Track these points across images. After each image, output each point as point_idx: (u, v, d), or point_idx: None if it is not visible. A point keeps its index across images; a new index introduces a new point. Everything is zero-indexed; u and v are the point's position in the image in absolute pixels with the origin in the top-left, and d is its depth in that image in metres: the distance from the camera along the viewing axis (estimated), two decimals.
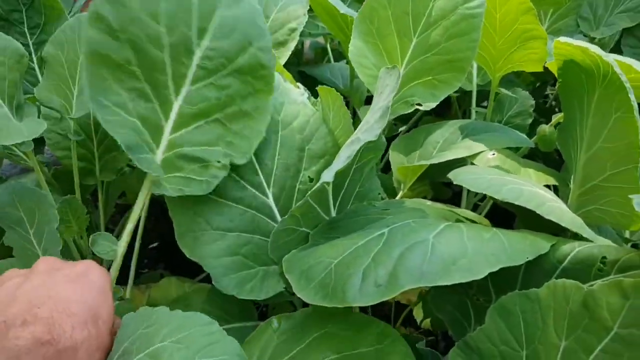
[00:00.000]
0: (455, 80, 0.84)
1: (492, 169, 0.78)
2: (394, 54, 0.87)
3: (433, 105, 0.85)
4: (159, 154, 0.72)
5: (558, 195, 0.88)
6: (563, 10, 1.33)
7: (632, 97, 0.67)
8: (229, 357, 0.56)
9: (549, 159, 1.17)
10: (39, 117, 0.87)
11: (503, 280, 0.70)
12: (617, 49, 1.25)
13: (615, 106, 0.70)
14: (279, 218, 0.83)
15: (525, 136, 0.94)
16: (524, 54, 0.89)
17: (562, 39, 0.73)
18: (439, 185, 1.23)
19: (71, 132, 0.89)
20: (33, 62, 1.07)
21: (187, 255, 0.76)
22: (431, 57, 0.85)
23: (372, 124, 0.72)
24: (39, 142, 1.11)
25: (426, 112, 1.44)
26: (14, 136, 0.76)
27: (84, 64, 0.67)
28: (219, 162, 0.73)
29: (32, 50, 1.07)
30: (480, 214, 1.07)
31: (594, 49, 0.69)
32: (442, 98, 0.85)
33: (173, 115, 0.72)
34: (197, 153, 0.73)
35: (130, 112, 0.69)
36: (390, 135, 1.38)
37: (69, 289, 0.59)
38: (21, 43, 1.05)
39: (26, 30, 1.07)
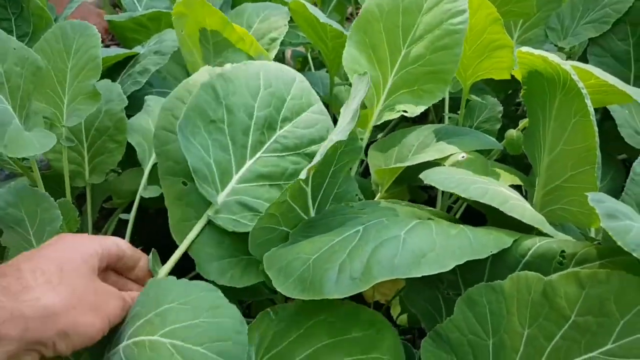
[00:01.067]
0: (438, 90, 0.89)
1: (461, 169, 0.82)
2: (384, 63, 0.92)
3: (417, 112, 0.90)
4: (222, 197, 0.82)
5: (527, 197, 0.93)
6: (533, 21, 1.38)
7: (588, 102, 0.71)
8: (230, 320, 0.63)
9: (519, 163, 1.22)
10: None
11: (471, 274, 0.73)
12: (584, 58, 1.31)
13: (574, 111, 0.75)
14: None
15: (494, 139, 0.99)
16: (492, 63, 0.94)
17: (524, 48, 0.78)
18: (415, 189, 1.27)
19: (63, 139, 0.92)
20: None
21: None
22: (417, 68, 0.90)
23: (343, 126, 0.77)
24: None
25: (403, 119, 1.49)
26: (28, 149, 0.80)
27: (185, 110, 0.81)
28: None
29: None
30: (454, 215, 1.12)
31: (553, 57, 0.73)
32: (426, 107, 0.90)
33: (242, 170, 0.84)
34: (253, 204, 0.83)
35: (209, 154, 0.82)
36: (370, 140, 1.42)
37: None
38: None
39: (15, 38, 1.09)
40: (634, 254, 0.55)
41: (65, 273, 0.63)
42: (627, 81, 1.24)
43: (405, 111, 0.91)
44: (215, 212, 0.80)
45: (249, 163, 0.85)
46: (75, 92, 0.90)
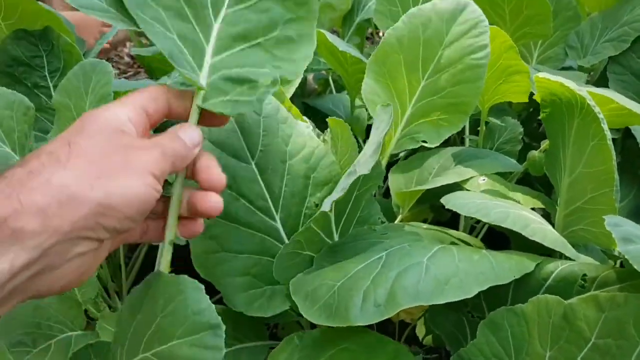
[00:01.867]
0: (459, 121, 0.91)
1: (482, 193, 0.84)
2: (403, 94, 0.94)
3: (437, 143, 0.92)
4: (202, 78, 0.66)
5: (549, 217, 0.94)
6: (552, 40, 1.39)
7: (605, 127, 0.73)
8: None
9: (543, 182, 1.22)
10: None
11: (495, 298, 0.74)
12: (604, 75, 1.31)
13: (592, 135, 0.76)
14: (286, 241, 0.89)
15: (515, 161, 1.00)
16: (509, 87, 0.95)
17: (541, 74, 0.79)
18: (439, 208, 1.28)
19: None
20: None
21: (202, 275, 0.82)
22: (437, 100, 0.91)
23: (367, 158, 0.79)
24: None
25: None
26: None
27: None
28: (267, 81, 0.67)
29: (53, 93, 1.15)
30: (476, 236, 1.13)
31: (569, 83, 0.75)
32: (446, 137, 0.92)
33: (213, 38, 0.68)
34: (244, 74, 0.67)
35: (169, 29, 0.65)
36: (392, 160, 1.44)
37: None
38: (42, 86, 1.15)
39: (47, 74, 1.15)
40: None
41: (75, 145, 0.53)
42: None
43: (424, 141, 0.92)
44: (204, 100, 0.65)
45: (216, 27, 0.68)
46: None
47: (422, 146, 1.29)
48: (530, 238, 0.71)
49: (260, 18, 0.69)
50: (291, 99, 1.54)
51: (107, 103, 0.91)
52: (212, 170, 0.64)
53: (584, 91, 0.73)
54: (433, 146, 0.93)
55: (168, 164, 0.58)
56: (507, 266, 0.70)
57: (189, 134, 0.62)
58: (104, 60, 0.98)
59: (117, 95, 0.95)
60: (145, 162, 0.55)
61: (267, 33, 0.69)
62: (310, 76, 1.78)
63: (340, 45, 1.10)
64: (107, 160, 0.53)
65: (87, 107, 0.95)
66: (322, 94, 1.77)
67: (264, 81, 0.67)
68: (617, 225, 0.62)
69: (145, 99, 0.61)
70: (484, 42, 0.88)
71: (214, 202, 0.63)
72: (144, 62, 1.37)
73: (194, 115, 0.65)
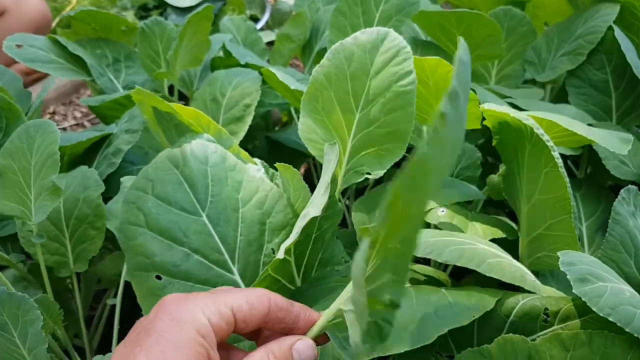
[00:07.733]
0: (398, 149, 0.88)
1: (437, 230, 0.81)
2: (340, 128, 0.92)
3: (381, 173, 0.89)
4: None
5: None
6: (509, 57, 1.39)
7: (556, 154, 0.71)
8: None
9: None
10: None
11: (461, 336, 0.73)
12: (564, 89, 1.30)
13: (544, 162, 0.74)
14: None
15: (475, 188, 0.98)
16: None
17: (487, 105, 0.78)
18: None
19: (34, 236, 0.93)
20: None
21: None
22: (374, 130, 0.89)
23: (317, 200, 0.77)
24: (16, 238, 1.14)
25: (394, 164, 1.49)
26: None
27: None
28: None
29: None
30: None
31: (515, 113, 0.73)
32: (389, 166, 0.89)
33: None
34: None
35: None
36: (361, 186, 1.42)
37: None
38: None
39: None
40: (610, 319, 0.54)
41: None
42: (609, 109, 1.23)
43: (369, 173, 0.90)
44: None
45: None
46: (38, 189, 0.91)
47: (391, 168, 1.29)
48: (487, 275, 0.69)
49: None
50: (254, 132, 1.52)
51: (53, 163, 0.88)
52: None
53: (531, 120, 0.72)
54: (377, 176, 0.91)
55: None
56: (467, 305, 0.68)
57: (304, 353, 0.56)
58: (48, 120, 0.96)
59: (63, 150, 0.93)
60: None
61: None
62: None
63: (291, 83, 1.08)
64: None
65: (33, 168, 0.92)
66: (288, 124, 1.75)
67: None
68: (571, 264, 0.60)
69: (239, 301, 0.55)
70: (409, 69, 0.86)
71: None
72: (96, 111, 1.34)
73: (315, 329, 0.60)
